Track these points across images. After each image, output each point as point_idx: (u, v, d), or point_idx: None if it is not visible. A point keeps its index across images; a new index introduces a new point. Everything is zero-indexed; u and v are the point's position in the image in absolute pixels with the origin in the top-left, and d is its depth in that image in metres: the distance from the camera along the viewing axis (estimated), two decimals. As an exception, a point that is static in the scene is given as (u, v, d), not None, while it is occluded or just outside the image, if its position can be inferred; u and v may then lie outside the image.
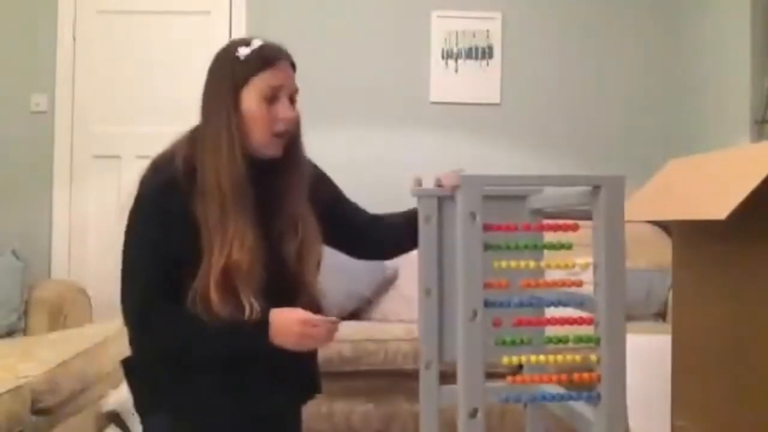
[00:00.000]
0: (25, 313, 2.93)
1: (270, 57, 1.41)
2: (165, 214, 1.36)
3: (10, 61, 3.58)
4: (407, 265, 2.88)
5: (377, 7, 3.73)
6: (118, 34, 3.63)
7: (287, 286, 1.42)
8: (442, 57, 3.70)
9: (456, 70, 3.70)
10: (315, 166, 1.58)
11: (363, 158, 3.58)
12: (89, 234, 3.59)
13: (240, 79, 1.39)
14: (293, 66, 1.47)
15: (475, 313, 1.04)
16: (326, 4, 3.72)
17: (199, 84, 1.45)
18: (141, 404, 1.45)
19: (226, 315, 1.33)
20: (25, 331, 2.90)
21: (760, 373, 1.60)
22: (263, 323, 1.34)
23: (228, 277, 1.32)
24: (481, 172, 1.10)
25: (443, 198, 1.35)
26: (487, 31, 3.71)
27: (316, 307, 1.43)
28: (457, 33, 3.70)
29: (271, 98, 1.40)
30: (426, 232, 1.35)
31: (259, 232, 1.38)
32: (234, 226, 1.34)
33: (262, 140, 1.41)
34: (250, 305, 1.33)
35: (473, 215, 1.03)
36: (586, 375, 1.09)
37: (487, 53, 3.71)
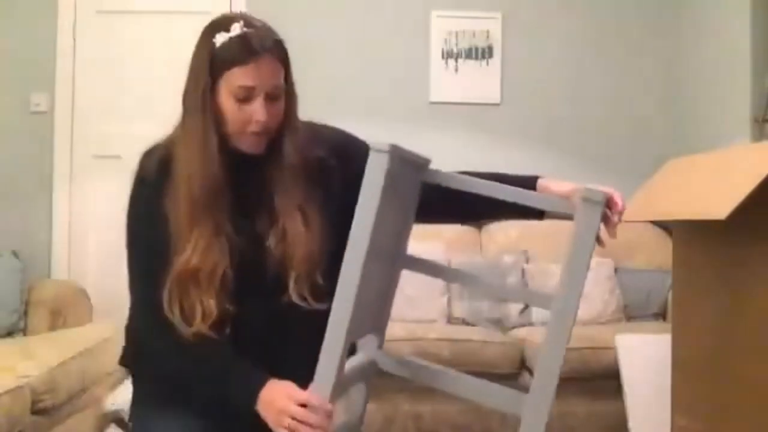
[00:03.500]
0: (25, 313, 2.92)
1: (246, 52, 1.25)
2: (143, 210, 1.31)
3: (10, 61, 3.58)
4: (407, 265, 2.88)
5: (377, 7, 3.72)
6: (118, 34, 3.62)
7: (268, 288, 1.29)
8: (442, 57, 3.70)
9: (456, 70, 3.70)
10: (344, 141, 1.44)
11: (363, 158, 3.56)
12: (89, 234, 3.59)
13: (215, 70, 1.27)
14: (282, 56, 1.31)
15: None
16: (326, 4, 3.72)
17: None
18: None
19: (175, 321, 1.23)
20: (25, 331, 2.89)
21: (760, 372, 1.60)
22: (255, 385, 1.21)
23: (185, 281, 1.23)
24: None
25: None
26: (487, 31, 3.71)
27: (304, 316, 1.26)
28: (457, 33, 3.70)
29: (243, 98, 1.26)
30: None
31: (238, 230, 1.28)
32: (199, 228, 1.24)
33: (236, 138, 1.30)
34: (203, 309, 1.22)
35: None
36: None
37: (487, 53, 3.71)
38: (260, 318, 1.29)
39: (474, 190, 1.22)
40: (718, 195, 1.58)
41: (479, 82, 3.71)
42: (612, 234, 1.22)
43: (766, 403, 1.58)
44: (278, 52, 1.30)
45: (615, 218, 1.20)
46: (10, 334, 2.84)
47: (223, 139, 1.29)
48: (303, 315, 1.27)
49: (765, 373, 1.59)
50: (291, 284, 1.28)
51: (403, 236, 1.26)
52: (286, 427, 1.14)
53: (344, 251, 1.11)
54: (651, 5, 3.78)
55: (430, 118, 3.68)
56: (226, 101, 1.27)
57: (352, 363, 1.22)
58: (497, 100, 3.72)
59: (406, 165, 1.14)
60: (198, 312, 1.23)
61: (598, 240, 1.18)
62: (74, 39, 3.61)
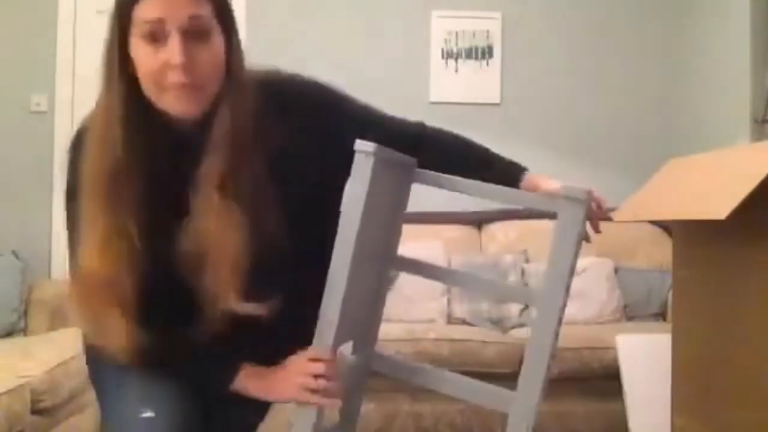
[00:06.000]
0: (25, 313, 2.92)
1: None
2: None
3: (10, 61, 3.58)
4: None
5: (377, 7, 3.72)
6: (118, 34, 3.62)
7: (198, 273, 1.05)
8: (442, 57, 3.70)
9: (456, 70, 3.70)
10: (318, 102, 1.18)
11: (363, 158, 3.56)
12: (89, 234, 3.59)
13: (122, 15, 1.04)
14: None
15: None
16: (326, 4, 3.71)
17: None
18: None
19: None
20: (25, 331, 2.90)
21: (760, 372, 1.60)
22: (233, 363, 1.10)
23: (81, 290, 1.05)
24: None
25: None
26: (487, 31, 3.71)
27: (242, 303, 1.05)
28: (457, 33, 3.70)
29: (153, 38, 1.01)
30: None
31: (148, 235, 1.04)
32: (96, 225, 1.02)
33: (159, 99, 1.04)
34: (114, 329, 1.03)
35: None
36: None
37: (487, 53, 3.71)
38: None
39: (460, 190, 1.20)
40: (718, 195, 1.58)
41: (479, 82, 3.71)
42: (596, 227, 1.22)
43: (766, 403, 1.58)
44: None
45: (599, 212, 1.20)
46: (10, 334, 2.84)
47: (150, 114, 1.06)
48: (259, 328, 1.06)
49: (765, 374, 1.59)
50: (211, 291, 1.05)
51: (393, 237, 1.26)
52: (312, 388, 1.07)
53: (326, 242, 1.03)
54: (651, 6, 3.77)
55: (430, 118, 3.59)
56: (139, 50, 1.04)
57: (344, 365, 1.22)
58: (497, 100, 3.72)
59: (392, 166, 1.14)
60: (110, 331, 1.03)
61: (585, 237, 1.18)
62: (74, 39, 3.61)
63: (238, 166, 1.05)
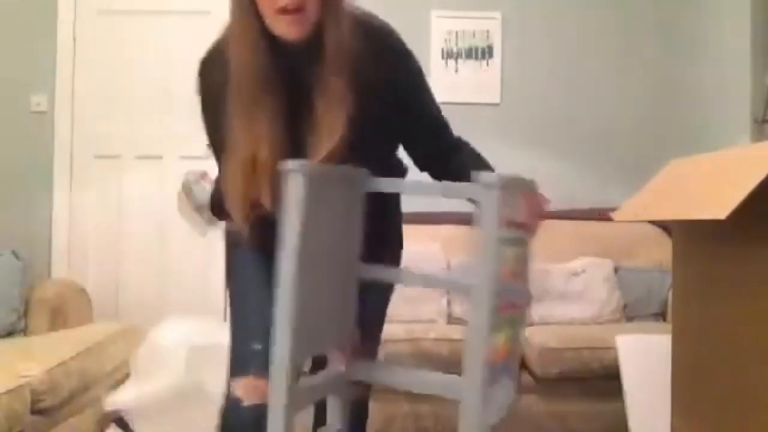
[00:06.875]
0: (25, 313, 2.92)
1: None
2: (212, 120, 1.35)
3: (10, 61, 3.58)
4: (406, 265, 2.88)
5: (377, 7, 3.70)
6: (118, 34, 3.63)
7: None
8: (442, 57, 3.70)
9: (456, 70, 3.70)
10: (385, 44, 1.37)
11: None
12: (89, 234, 3.59)
13: None
14: None
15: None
16: (326, 4, 3.72)
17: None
18: None
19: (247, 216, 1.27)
20: (25, 331, 2.90)
21: (760, 372, 1.60)
22: None
23: (235, 172, 1.26)
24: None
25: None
26: (487, 31, 3.71)
27: None
28: (457, 33, 3.71)
29: None
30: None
31: (283, 131, 1.26)
32: (240, 121, 1.24)
33: (272, 23, 1.22)
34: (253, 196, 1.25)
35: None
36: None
37: (487, 53, 3.72)
38: None
39: (401, 191, 1.33)
40: (718, 195, 1.58)
41: (479, 83, 3.71)
42: (531, 221, 1.21)
43: (766, 403, 1.58)
44: None
45: (534, 204, 1.21)
46: (10, 334, 2.84)
47: (270, 36, 1.24)
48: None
49: (765, 374, 1.59)
50: None
51: (351, 247, 1.27)
52: None
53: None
54: (651, 6, 3.78)
55: (430, 118, 3.67)
56: None
57: (316, 379, 1.24)
58: (497, 101, 3.72)
59: (330, 180, 1.16)
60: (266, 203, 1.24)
61: (526, 227, 1.18)
62: (74, 39, 3.62)
63: (343, 78, 1.26)
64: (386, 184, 1.27)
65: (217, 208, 1.41)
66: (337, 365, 1.26)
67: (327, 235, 1.15)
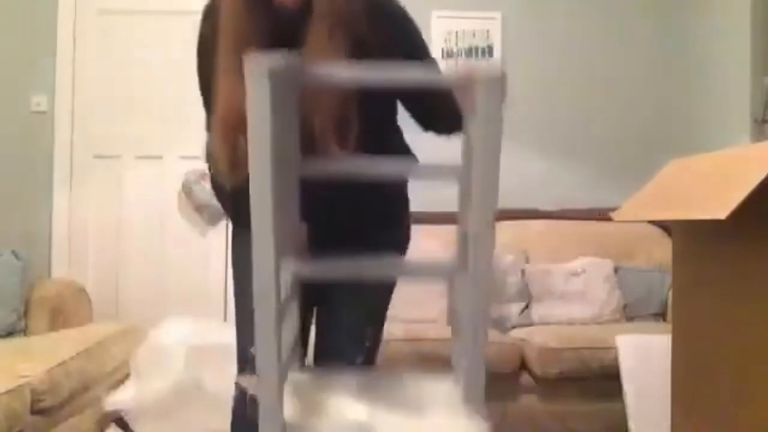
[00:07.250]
0: (25, 313, 2.92)
1: None
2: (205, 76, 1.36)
3: (10, 61, 3.58)
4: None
5: (377, 7, 3.72)
6: (118, 34, 3.62)
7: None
8: (442, 57, 3.70)
9: (456, 70, 3.70)
10: (400, 29, 1.38)
11: (363, 158, 3.57)
12: (89, 234, 3.59)
13: None
14: None
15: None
16: (326, 4, 3.72)
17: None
18: None
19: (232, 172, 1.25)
20: (25, 331, 2.90)
21: (760, 372, 1.60)
22: None
23: (218, 129, 1.25)
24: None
25: None
26: (487, 31, 3.71)
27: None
28: (457, 33, 3.71)
29: None
30: None
31: None
32: (229, 77, 1.23)
33: None
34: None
35: None
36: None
37: (487, 53, 3.71)
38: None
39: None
40: (718, 195, 1.58)
41: (479, 82, 3.71)
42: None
43: (766, 403, 1.58)
44: None
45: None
46: (10, 334, 2.84)
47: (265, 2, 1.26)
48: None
49: (765, 373, 1.59)
50: (317, 132, 1.24)
51: (292, 142, 1.19)
52: None
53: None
54: (651, 6, 3.78)
55: (430, 118, 3.67)
56: None
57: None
58: (497, 100, 3.71)
59: (285, 78, 1.07)
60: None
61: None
62: (74, 39, 3.61)
63: (335, 38, 1.25)
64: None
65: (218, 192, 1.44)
66: (289, 266, 1.21)
67: (281, 134, 1.07)
